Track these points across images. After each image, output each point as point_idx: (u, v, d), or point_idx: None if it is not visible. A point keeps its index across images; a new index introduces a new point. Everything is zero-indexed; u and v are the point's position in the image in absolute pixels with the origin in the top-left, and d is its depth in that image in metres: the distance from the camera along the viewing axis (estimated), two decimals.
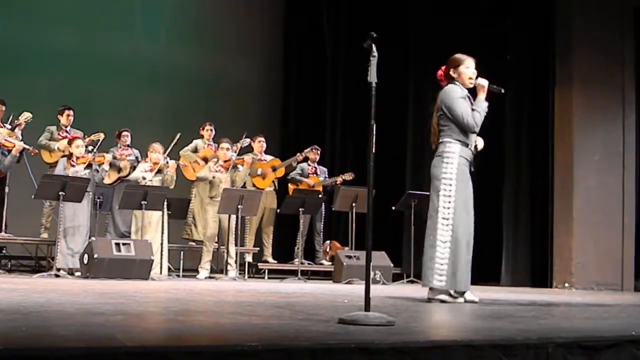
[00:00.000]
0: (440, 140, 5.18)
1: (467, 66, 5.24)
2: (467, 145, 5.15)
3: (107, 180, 9.07)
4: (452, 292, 5.12)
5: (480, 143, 5.33)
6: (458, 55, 5.32)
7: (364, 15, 11.12)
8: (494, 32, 10.25)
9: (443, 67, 5.33)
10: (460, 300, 5.15)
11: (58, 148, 9.05)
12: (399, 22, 11.09)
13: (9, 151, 8.45)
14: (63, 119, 9.25)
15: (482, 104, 5.19)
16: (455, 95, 5.15)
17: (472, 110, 5.13)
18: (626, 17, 9.63)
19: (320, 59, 12.17)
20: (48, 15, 10.97)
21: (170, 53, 11.68)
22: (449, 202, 5.07)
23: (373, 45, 3.60)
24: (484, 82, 5.22)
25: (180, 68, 11.67)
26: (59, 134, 9.21)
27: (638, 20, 9.67)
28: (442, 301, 5.05)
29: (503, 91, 5.30)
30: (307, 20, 12.33)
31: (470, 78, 5.23)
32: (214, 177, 8.90)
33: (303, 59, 12.34)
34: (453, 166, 5.09)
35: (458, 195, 5.07)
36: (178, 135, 8.83)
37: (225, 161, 8.95)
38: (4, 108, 8.94)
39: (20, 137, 8.68)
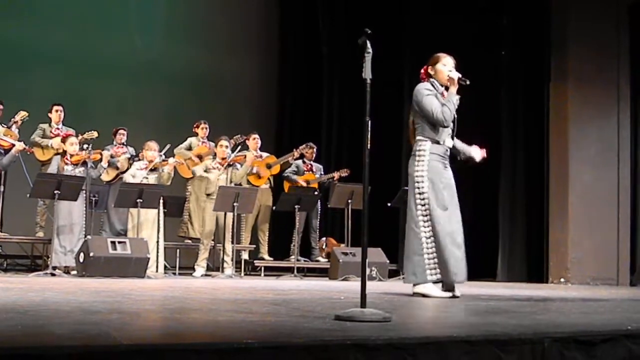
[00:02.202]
0: (415, 139, 5.34)
1: (444, 64, 5.32)
2: (438, 142, 5.27)
3: (105, 178, 9.07)
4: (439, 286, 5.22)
5: (476, 153, 5.47)
6: (437, 54, 5.41)
7: (359, 11, 11.11)
8: (489, 28, 10.26)
9: (425, 66, 5.42)
10: (448, 295, 5.21)
11: (52, 145, 9.05)
12: (394, 19, 11.08)
13: (6, 150, 8.44)
14: (53, 116, 9.25)
15: (452, 98, 5.26)
16: (424, 92, 5.25)
17: (443, 105, 5.21)
18: (621, 12, 9.65)
19: (315, 56, 12.16)
20: (43, 15, 10.96)
21: (165, 51, 11.67)
22: (423, 199, 5.22)
23: (367, 42, 3.60)
24: (454, 75, 5.27)
25: (175, 66, 11.65)
26: (51, 132, 9.21)
27: (633, 16, 9.69)
28: (423, 295, 5.16)
29: (468, 82, 5.30)
30: (302, 17, 12.32)
31: (448, 76, 5.31)
32: (206, 171, 8.90)
33: (298, 56, 12.32)
34: (424, 164, 5.23)
35: (430, 192, 5.20)
36: (168, 146, 8.84)
37: (222, 158, 8.95)
38: (1, 107, 8.95)
39: (18, 136, 8.70)
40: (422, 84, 5.31)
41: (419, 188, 5.24)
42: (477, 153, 5.57)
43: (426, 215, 5.21)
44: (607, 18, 9.58)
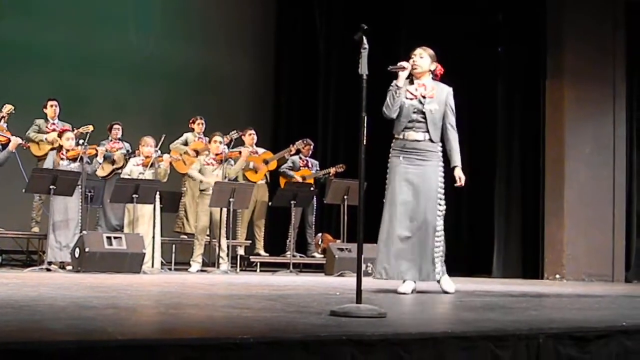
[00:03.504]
0: None
1: (410, 57, 5.31)
2: (397, 137, 5.25)
3: (101, 173, 9.05)
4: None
5: (456, 176, 5.26)
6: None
7: (356, 7, 11.10)
8: (486, 25, 10.26)
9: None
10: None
11: (46, 139, 9.03)
12: (391, 14, 11.07)
13: (3, 146, 8.41)
14: (48, 111, 9.23)
15: (392, 89, 5.22)
16: (389, 89, 5.26)
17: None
18: (617, 9, 9.65)
19: (312, 52, 12.15)
20: (39, 12, 10.91)
21: (161, 47, 11.63)
22: (385, 195, 5.27)
23: (364, 37, 3.61)
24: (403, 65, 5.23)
25: (171, 62, 11.62)
26: (46, 127, 9.18)
27: (629, 13, 9.69)
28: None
29: (405, 65, 5.24)
30: (299, 13, 12.30)
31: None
32: (201, 171, 8.90)
33: (295, 52, 12.31)
34: (389, 160, 5.28)
35: (388, 187, 5.23)
36: (163, 137, 8.82)
37: (216, 154, 8.94)
38: None
39: (6, 129, 8.66)
40: (395, 80, 5.27)
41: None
42: (457, 177, 5.29)
43: (383, 212, 5.23)
44: (603, 15, 9.58)
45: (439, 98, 5.24)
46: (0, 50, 10.40)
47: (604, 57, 9.54)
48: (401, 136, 5.22)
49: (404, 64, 5.21)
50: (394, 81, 5.24)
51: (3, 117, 8.72)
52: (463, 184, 5.29)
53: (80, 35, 11.04)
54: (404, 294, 5.03)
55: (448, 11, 10.41)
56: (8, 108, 8.76)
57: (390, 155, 5.28)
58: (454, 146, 5.28)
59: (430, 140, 5.20)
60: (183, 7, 12.13)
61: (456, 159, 5.29)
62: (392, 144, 5.29)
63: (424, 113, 5.19)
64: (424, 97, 5.22)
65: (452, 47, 10.55)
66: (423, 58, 5.29)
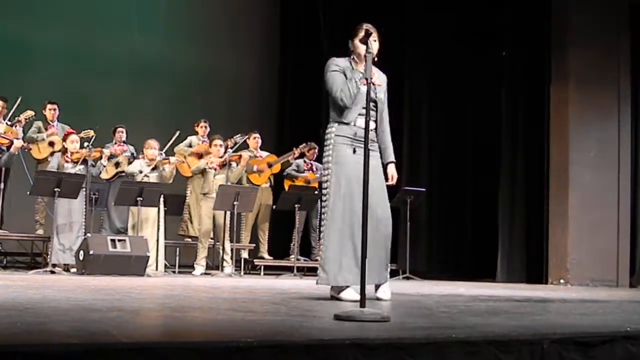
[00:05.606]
0: None
1: (360, 38, 4.62)
2: (346, 123, 4.61)
3: (105, 176, 9.08)
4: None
5: (389, 174, 4.77)
6: (358, 25, 4.72)
7: (360, 9, 11.10)
8: (489, 27, 10.26)
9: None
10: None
11: (47, 136, 9.07)
12: (394, 17, 11.08)
13: (7, 148, 8.45)
14: (47, 114, 9.27)
15: (355, 75, 4.63)
16: (331, 67, 4.70)
17: (345, 83, 4.62)
18: (621, 13, 9.64)
19: (316, 54, 12.14)
20: (43, 13, 10.95)
21: (165, 49, 11.66)
22: (326, 188, 4.64)
23: (369, 42, 3.61)
24: (362, 51, 4.49)
25: (175, 64, 11.65)
26: (46, 129, 9.22)
27: (633, 16, 9.68)
28: (337, 298, 4.55)
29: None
30: (303, 14, 12.31)
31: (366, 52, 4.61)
32: (206, 170, 8.92)
33: (299, 54, 12.31)
34: (329, 150, 4.64)
35: (335, 180, 4.59)
36: (177, 133, 8.85)
37: (218, 157, 8.96)
38: (3, 104, 8.96)
39: (20, 134, 8.70)
40: (332, 59, 4.75)
41: (324, 177, 4.69)
42: (390, 175, 4.80)
43: (325, 207, 4.62)
44: (608, 18, 9.56)
45: (384, 87, 4.80)
46: (1, 50, 10.44)
47: (608, 60, 9.53)
48: (352, 123, 4.61)
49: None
50: (357, 69, 4.66)
51: (19, 121, 8.75)
52: (395, 183, 4.80)
53: (83, 37, 11.08)
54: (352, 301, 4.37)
55: (452, 13, 10.41)
56: (28, 114, 8.81)
57: (332, 143, 4.61)
58: (388, 139, 4.84)
59: (376, 130, 4.75)
60: (187, 9, 12.15)
61: (392, 153, 4.84)
62: (334, 132, 4.62)
63: (375, 102, 4.70)
64: (373, 84, 4.57)
65: (456, 49, 10.58)
66: (376, 41, 4.69)
